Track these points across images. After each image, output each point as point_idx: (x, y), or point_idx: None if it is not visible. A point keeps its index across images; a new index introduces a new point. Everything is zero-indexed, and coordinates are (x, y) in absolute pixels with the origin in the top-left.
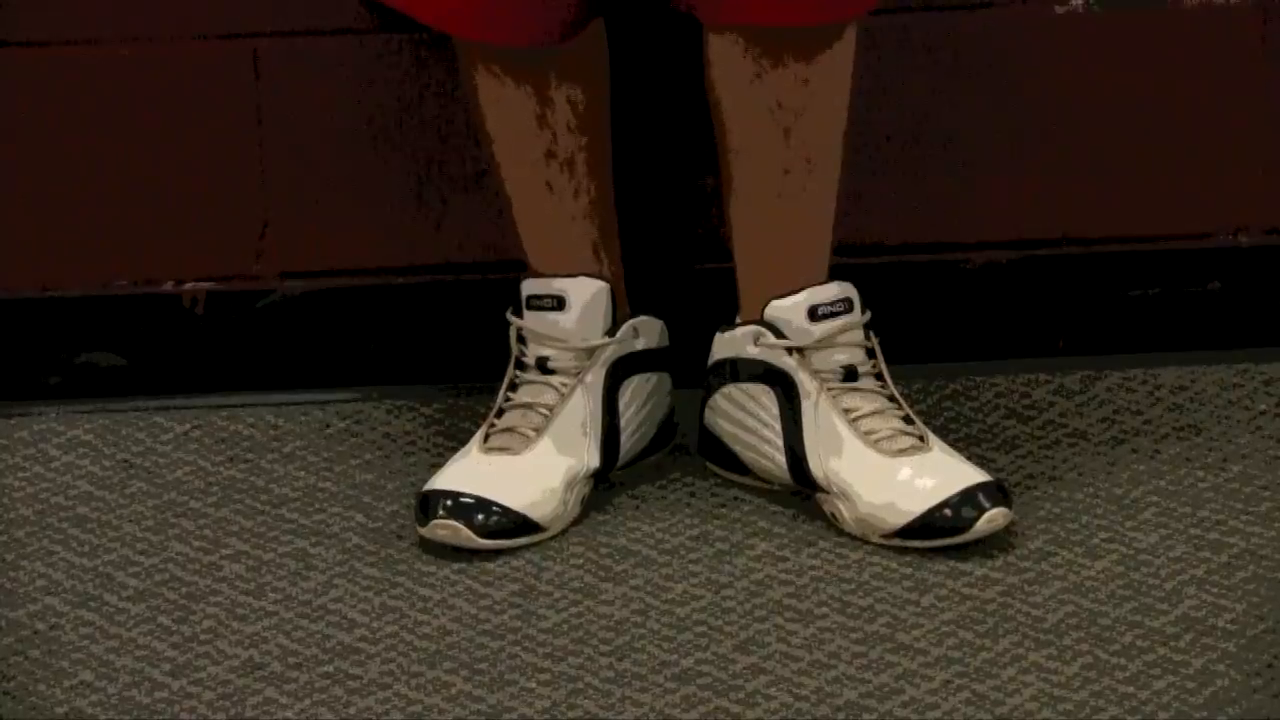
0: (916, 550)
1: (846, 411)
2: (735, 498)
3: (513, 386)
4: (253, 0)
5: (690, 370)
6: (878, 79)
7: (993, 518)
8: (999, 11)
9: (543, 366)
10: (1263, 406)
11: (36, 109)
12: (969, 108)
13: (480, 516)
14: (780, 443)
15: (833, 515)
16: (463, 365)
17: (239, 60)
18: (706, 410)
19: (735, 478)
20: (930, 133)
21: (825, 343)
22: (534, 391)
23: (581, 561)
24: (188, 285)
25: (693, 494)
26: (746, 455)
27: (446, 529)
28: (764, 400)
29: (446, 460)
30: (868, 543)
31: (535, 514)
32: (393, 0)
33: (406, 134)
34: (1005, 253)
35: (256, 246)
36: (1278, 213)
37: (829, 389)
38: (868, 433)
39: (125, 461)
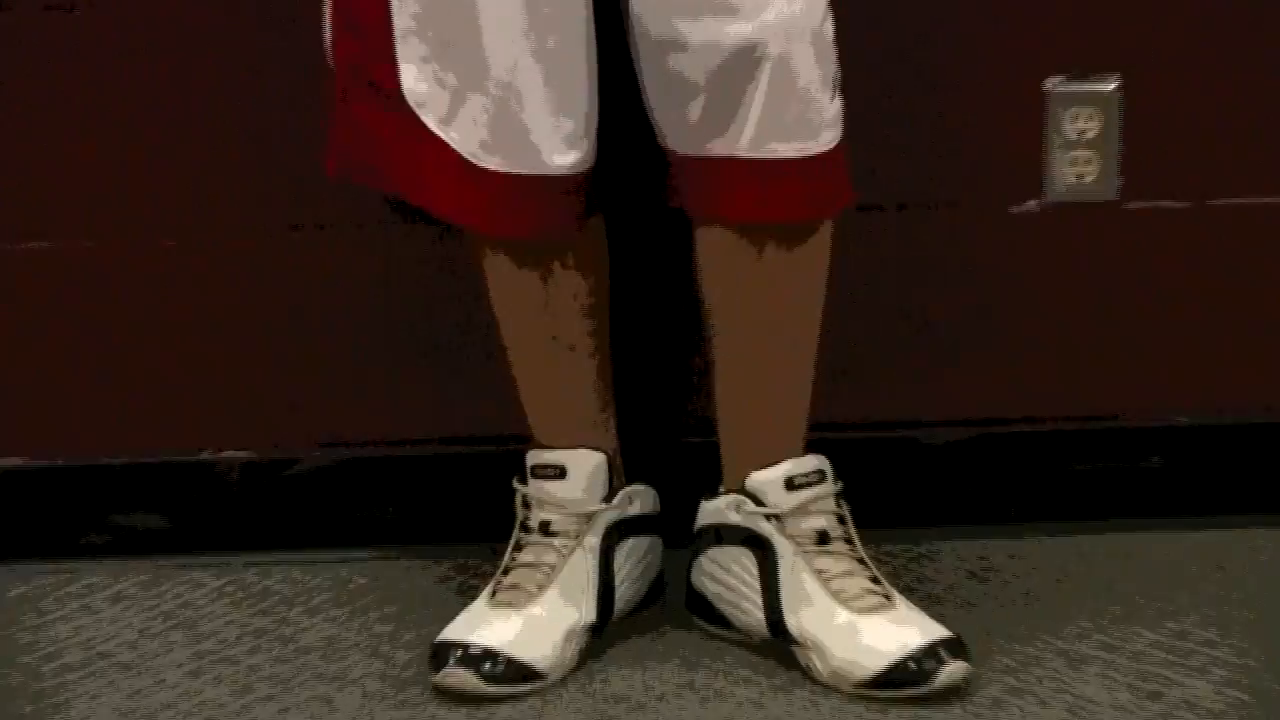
0: (884, 699)
1: (819, 572)
2: (719, 649)
3: (518, 547)
4: (287, 194)
5: (679, 532)
6: (851, 269)
7: (953, 671)
8: (961, 210)
9: (545, 529)
10: (1195, 568)
11: (85, 289)
12: (934, 297)
13: (488, 665)
14: (759, 600)
15: (808, 666)
16: (473, 527)
17: (275, 247)
18: (693, 571)
19: (719, 631)
20: (899, 319)
21: (800, 510)
22: (537, 552)
23: (579, 706)
24: (224, 453)
25: (680, 645)
26: (729, 612)
27: (457, 677)
28: (745, 563)
29: (458, 614)
30: (840, 692)
31: (538, 664)
32: (414, 197)
33: (424, 317)
34: (966, 430)
35: (286, 419)
36: (1211, 395)
37: (803, 551)
38: (838, 592)
39: (165, 613)
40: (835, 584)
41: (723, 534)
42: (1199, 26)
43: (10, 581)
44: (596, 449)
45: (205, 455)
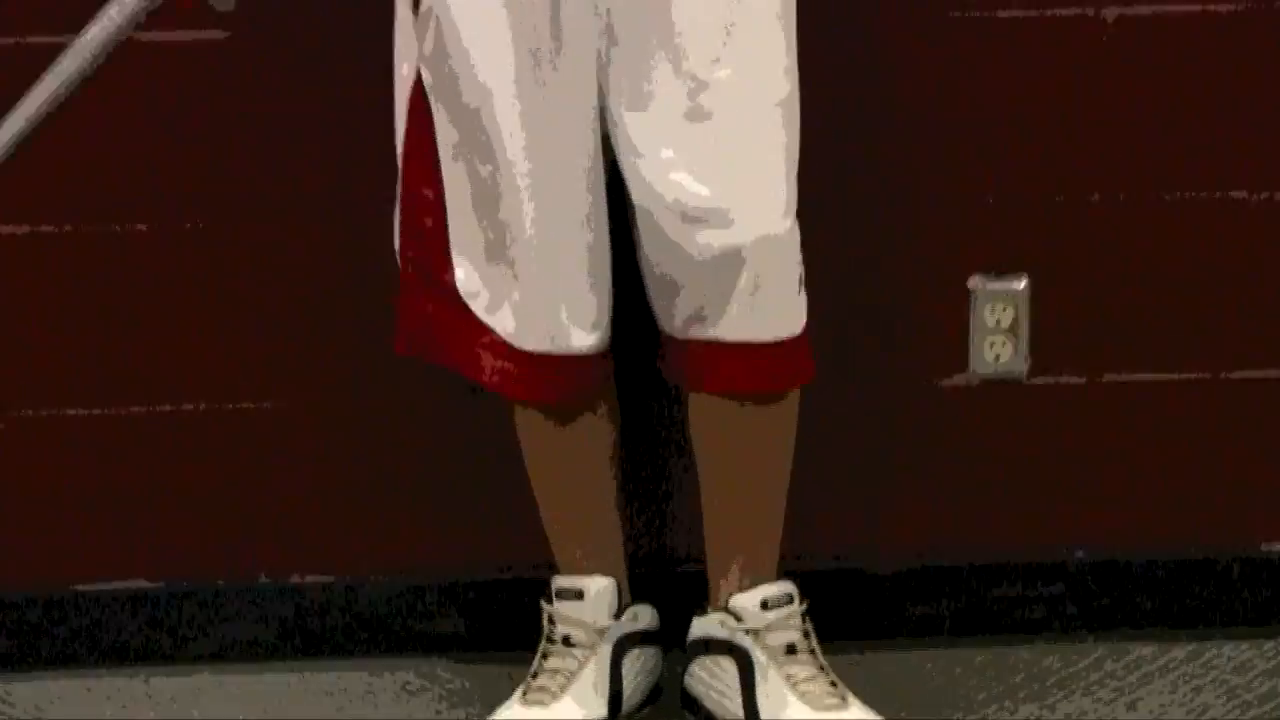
0: None
1: (789, 677)
2: None
3: (544, 655)
4: (342, 381)
5: (675, 640)
6: (813, 432)
7: None
8: (902, 382)
9: (566, 641)
10: (1095, 677)
11: (190, 449)
12: (879, 456)
13: None
14: (740, 700)
15: None
16: (509, 638)
17: (358, 406)
18: (687, 675)
19: None
20: (853, 472)
21: (773, 626)
22: (560, 660)
23: None
24: (308, 578)
25: None
26: (716, 709)
27: None
28: (728, 668)
29: (495, 710)
30: None
31: None
32: (466, 371)
33: (467, 466)
34: (905, 562)
35: (358, 547)
36: (1103, 536)
37: (776, 660)
38: (805, 693)
39: (265, 706)
40: (802, 687)
41: (710, 645)
42: (1090, 238)
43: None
44: (608, 575)
45: (294, 579)
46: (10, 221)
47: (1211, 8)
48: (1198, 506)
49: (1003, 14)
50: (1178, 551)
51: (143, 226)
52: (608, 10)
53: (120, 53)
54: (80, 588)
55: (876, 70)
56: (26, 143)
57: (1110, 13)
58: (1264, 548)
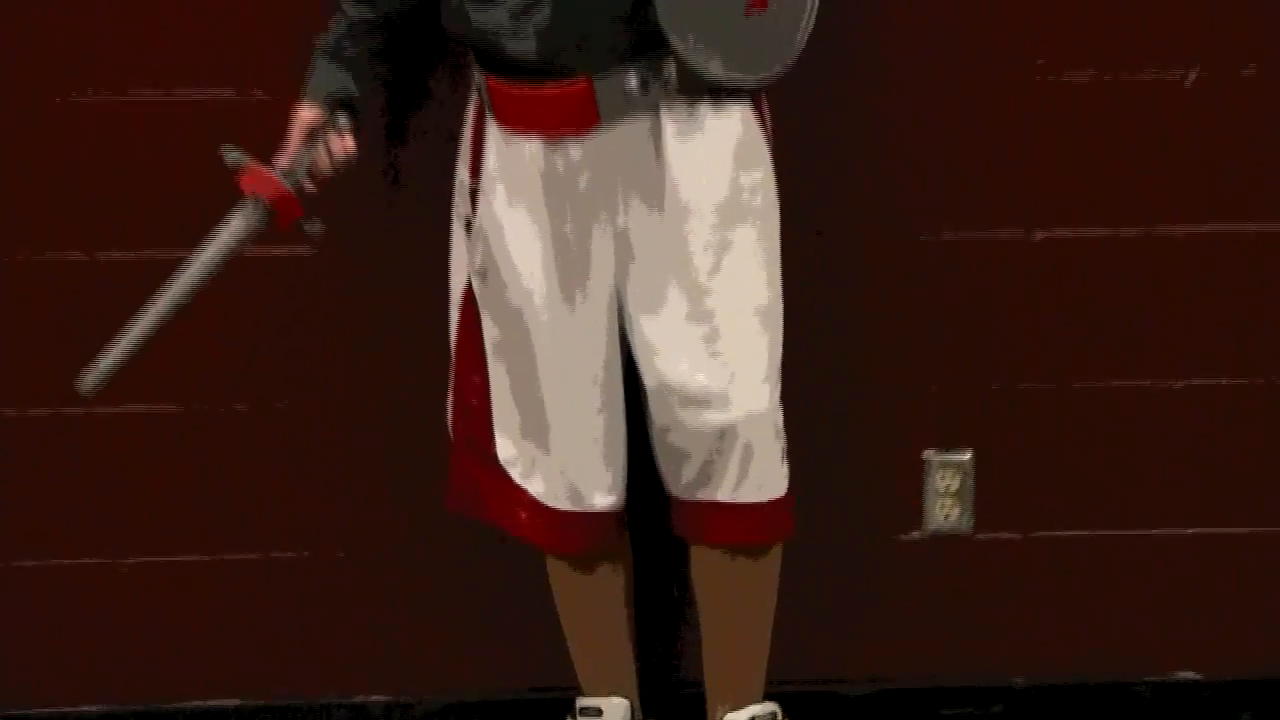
0: None
1: None
2: None
3: None
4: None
5: None
6: (795, 580)
7: None
8: (868, 539)
9: None
10: None
11: (241, 600)
12: (852, 595)
13: None
14: None
15: None
16: None
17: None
18: None
19: None
20: (824, 613)
21: None
22: None
23: None
24: (372, 697)
25: None
26: None
27: None
28: None
29: None
30: None
31: None
32: (506, 526)
33: (504, 599)
34: (873, 686)
35: (413, 669)
36: (1036, 663)
37: None
38: None
39: None
40: None
41: None
42: (1023, 418)
43: None
44: (624, 696)
45: (358, 699)
46: (138, 401)
47: (1123, 232)
48: (1117, 639)
49: (948, 236)
50: (1100, 677)
51: (242, 407)
52: (627, 235)
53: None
54: (168, 706)
55: (847, 292)
56: (153, 337)
57: (1037, 235)
58: (1175, 674)
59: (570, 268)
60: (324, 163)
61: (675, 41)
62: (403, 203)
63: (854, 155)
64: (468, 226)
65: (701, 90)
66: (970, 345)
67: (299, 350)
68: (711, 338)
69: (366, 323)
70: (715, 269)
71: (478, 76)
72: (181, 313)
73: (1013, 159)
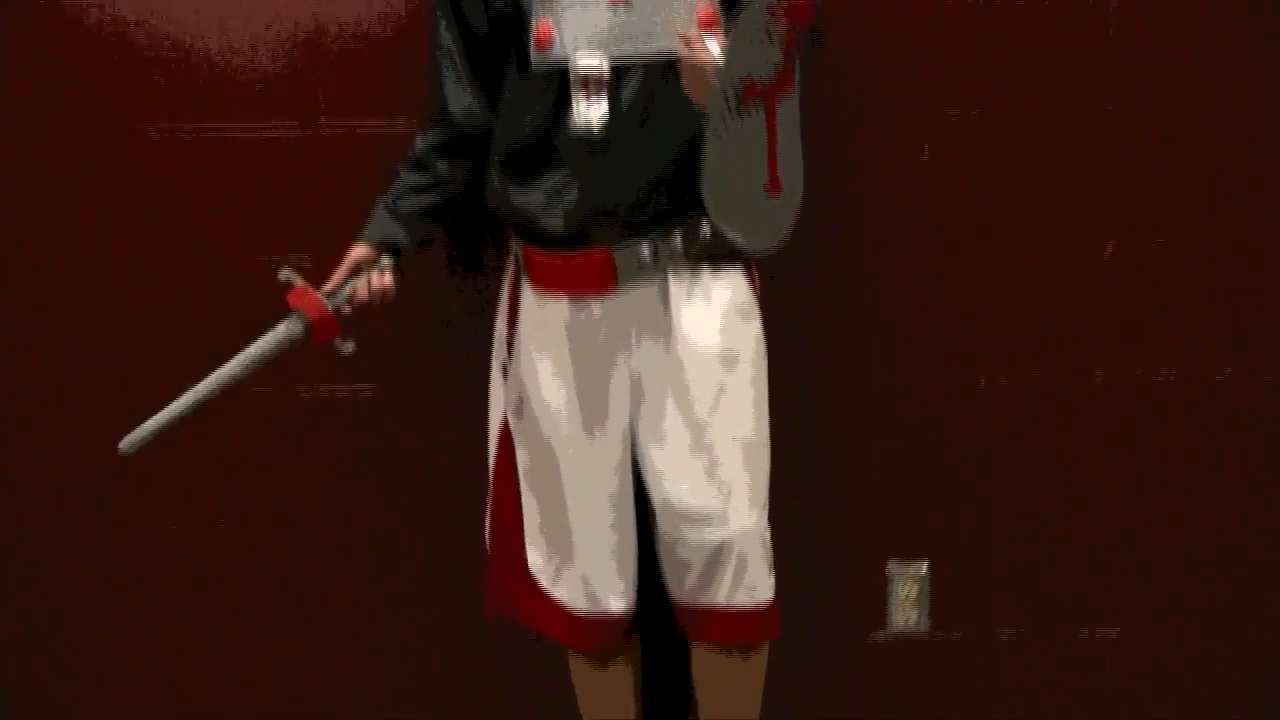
0: None
1: None
2: None
3: None
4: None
5: None
6: (777, 675)
7: None
8: (838, 638)
9: None
10: None
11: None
12: (822, 696)
13: None
14: None
15: None
16: None
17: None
18: None
19: None
20: (805, 703)
21: None
22: None
23: None
24: None
25: None
26: None
27: None
28: None
29: None
30: None
31: None
32: (536, 627)
33: (531, 696)
34: None
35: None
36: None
37: None
38: None
39: None
40: None
41: None
42: (973, 535)
43: None
44: None
45: None
46: (202, 517)
47: (1060, 380)
48: None
49: (907, 382)
50: None
51: (311, 525)
52: (639, 378)
53: (292, 400)
54: None
55: (829, 430)
56: (189, 416)
57: (983, 382)
58: None
59: (591, 407)
60: (363, 294)
61: (716, 219)
62: (449, 351)
63: (828, 317)
64: (504, 371)
65: (703, 258)
66: (924, 471)
67: (356, 475)
68: (711, 466)
69: (416, 454)
70: (714, 408)
71: (515, 245)
72: (218, 399)
73: (964, 314)
